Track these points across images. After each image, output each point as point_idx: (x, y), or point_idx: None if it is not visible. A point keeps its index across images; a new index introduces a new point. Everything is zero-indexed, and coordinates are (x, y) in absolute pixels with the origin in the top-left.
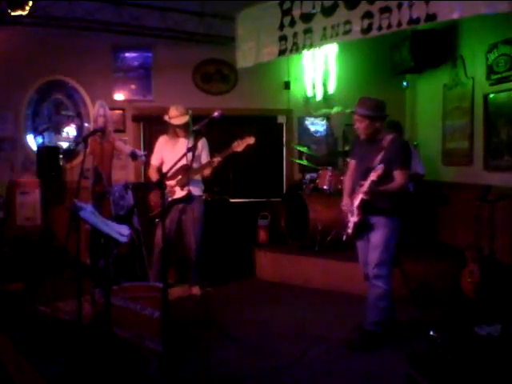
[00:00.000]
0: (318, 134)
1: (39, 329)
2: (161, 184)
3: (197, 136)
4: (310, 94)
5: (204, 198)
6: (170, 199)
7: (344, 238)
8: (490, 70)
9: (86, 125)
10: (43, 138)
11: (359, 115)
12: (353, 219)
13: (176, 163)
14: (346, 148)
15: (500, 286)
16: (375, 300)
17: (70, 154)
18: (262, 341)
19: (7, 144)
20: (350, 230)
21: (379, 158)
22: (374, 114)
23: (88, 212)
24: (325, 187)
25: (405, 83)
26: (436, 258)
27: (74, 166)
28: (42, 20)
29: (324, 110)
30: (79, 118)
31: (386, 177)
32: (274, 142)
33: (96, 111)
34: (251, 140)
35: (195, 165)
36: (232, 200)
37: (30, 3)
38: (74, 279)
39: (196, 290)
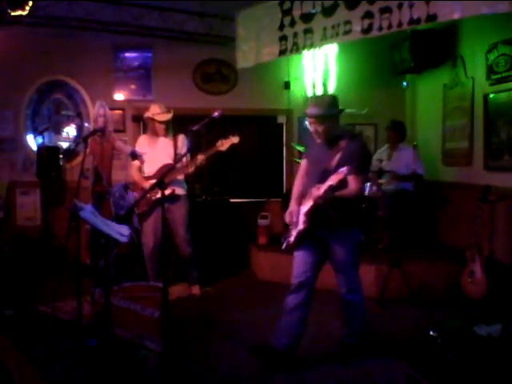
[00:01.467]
0: None
1: (39, 329)
2: (161, 184)
3: (175, 134)
4: (310, 93)
5: (187, 195)
6: (153, 198)
7: (283, 246)
8: (490, 70)
9: (86, 125)
10: (43, 138)
11: (316, 116)
12: (298, 227)
13: (177, 163)
14: None
15: (500, 286)
16: (349, 314)
17: (70, 153)
18: (261, 341)
19: (7, 144)
20: (292, 239)
21: (336, 159)
22: (332, 111)
23: (88, 212)
24: None
25: (405, 83)
26: (436, 258)
27: (73, 166)
28: (42, 20)
29: None
30: (79, 117)
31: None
32: (274, 142)
33: (96, 111)
34: (235, 139)
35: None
36: (232, 200)
37: (30, 3)
38: (74, 279)
39: (196, 290)
